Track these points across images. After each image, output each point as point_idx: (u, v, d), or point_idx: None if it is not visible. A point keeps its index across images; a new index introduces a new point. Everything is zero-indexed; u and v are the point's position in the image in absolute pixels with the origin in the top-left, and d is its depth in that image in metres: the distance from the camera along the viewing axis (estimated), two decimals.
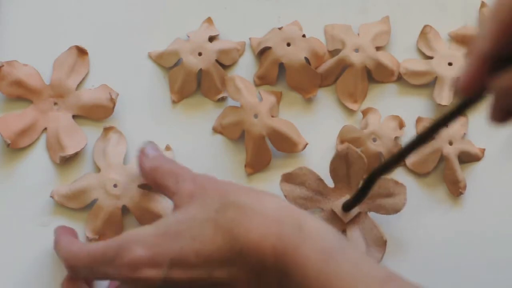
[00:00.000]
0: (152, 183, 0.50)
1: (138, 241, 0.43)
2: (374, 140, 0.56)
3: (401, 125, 0.57)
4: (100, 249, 0.45)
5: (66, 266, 0.47)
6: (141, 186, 0.53)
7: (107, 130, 0.56)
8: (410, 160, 0.56)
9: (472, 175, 0.57)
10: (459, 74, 0.37)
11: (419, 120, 0.58)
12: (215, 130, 0.57)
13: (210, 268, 0.42)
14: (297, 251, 0.41)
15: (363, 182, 0.49)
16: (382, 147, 0.56)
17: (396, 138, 0.57)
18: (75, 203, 0.54)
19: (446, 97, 0.57)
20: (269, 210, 0.43)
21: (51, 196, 0.54)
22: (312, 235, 0.42)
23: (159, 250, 0.43)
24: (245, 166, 0.56)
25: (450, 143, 0.56)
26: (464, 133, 0.57)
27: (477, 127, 0.58)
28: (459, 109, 0.40)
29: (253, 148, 0.55)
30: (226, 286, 0.43)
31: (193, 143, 0.57)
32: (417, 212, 0.56)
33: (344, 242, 0.43)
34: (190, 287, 0.43)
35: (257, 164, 0.56)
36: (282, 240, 0.41)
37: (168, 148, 0.56)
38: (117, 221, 0.53)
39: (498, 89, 0.35)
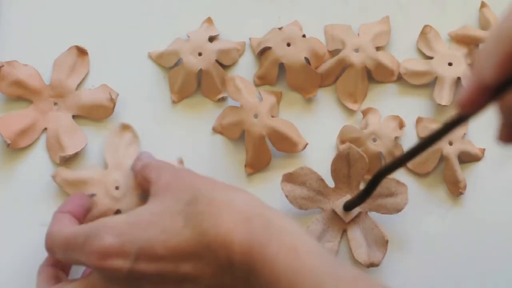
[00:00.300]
0: (141, 180, 0.51)
1: (108, 228, 0.43)
2: (374, 140, 0.56)
3: (401, 125, 0.57)
4: (72, 233, 0.45)
5: (45, 246, 0.47)
6: (142, 197, 0.53)
7: (124, 127, 0.56)
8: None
9: (472, 175, 0.57)
10: (460, 92, 0.37)
11: (419, 120, 0.58)
12: (215, 130, 0.57)
13: (177, 261, 0.42)
14: (265, 248, 0.41)
15: (368, 183, 0.49)
16: (382, 147, 0.56)
17: (396, 138, 0.57)
18: (73, 190, 0.54)
19: (446, 97, 0.57)
20: (239, 206, 0.43)
21: (52, 176, 0.53)
22: (280, 233, 0.42)
23: (127, 239, 0.42)
24: (245, 166, 0.56)
25: (450, 143, 0.56)
26: (464, 133, 0.57)
27: (477, 127, 0.58)
28: (464, 117, 0.40)
29: (253, 148, 0.55)
30: (191, 282, 0.42)
31: (193, 143, 0.57)
32: (417, 212, 0.56)
33: (312, 241, 0.43)
34: (157, 281, 0.43)
35: (257, 164, 0.56)
36: (250, 236, 0.41)
37: (181, 162, 0.56)
38: None
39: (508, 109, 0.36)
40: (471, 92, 0.37)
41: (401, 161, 0.46)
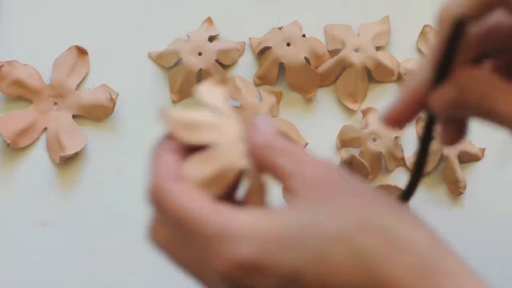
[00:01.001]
0: (261, 161, 0.36)
1: (245, 236, 0.32)
2: (374, 140, 0.56)
3: None
4: (193, 216, 0.33)
5: (149, 197, 0.35)
6: None
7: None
8: (410, 160, 0.56)
9: (472, 175, 0.57)
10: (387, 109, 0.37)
11: (419, 120, 0.58)
12: None
13: None
14: None
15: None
16: (382, 147, 0.56)
17: (396, 138, 0.57)
18: (187, 133, 0.36)
19: None
20: (416, 245, 0.33)
21: (160, 112, 0.40)
22: None
23: (271, 258, 0.32)
24: None
25: None
26: None
27: (477, 127, 0.58)
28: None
29: None
30: None
31: None
32: (417, 212, 0.56)
33: None
34: None
35: None
36: None
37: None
38: None
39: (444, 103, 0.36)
40: (397, 106, 0.37)
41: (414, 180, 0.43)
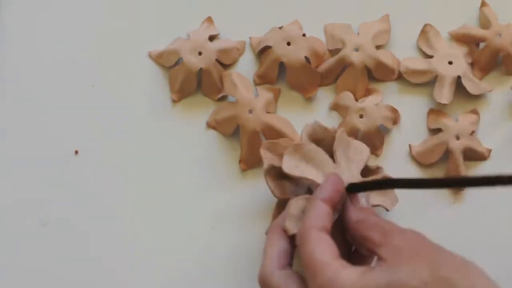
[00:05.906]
0: (355, 234, 0.46)
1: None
2: (361, 116, 0.56)
3: (395, 120, 0.57)
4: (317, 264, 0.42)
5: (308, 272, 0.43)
6: None
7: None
8: (415, 149, 0.56)
9: (475, 173, 0.56)
10: None
11: (430, 112, 0.58)
12: (209, 125, 0.57)
13: None
14: None
15: (377, 181, 0.49)
16: (365, 125, 0.56)
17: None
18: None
19: (446, 96, 0.57)
20: None
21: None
22: None
23: None
24: (240, 162, 0.56)
25: (457, 138, 0.56)
26: (473, 131, 0.56)
27: (489, 127, 0.58)
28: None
29: (248, 144, 0.55)
30: None
31: (193, 142, 0.57)
32: (417, 206, 0.55)
33: None
34: None
35: (251, 160, 0.56)
36: None
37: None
38: None
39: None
40: None
41: (412, 184, 0.45)
